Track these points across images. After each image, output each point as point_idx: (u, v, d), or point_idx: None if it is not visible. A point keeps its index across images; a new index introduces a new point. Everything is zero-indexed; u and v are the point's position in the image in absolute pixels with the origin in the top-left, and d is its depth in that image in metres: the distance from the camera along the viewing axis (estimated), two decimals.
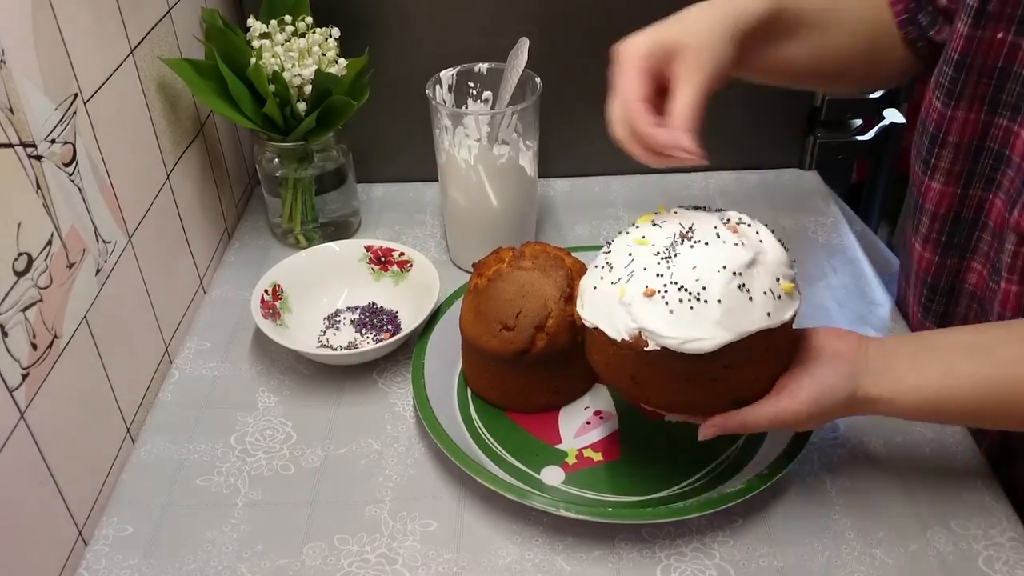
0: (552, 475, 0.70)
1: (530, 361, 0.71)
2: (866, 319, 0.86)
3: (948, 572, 0.63)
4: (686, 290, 0.57)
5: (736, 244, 0.59)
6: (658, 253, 0.60)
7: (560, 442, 0.73)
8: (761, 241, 0.61)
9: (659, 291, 0.58)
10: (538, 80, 0.85)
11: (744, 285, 0.58)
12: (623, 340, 0.59)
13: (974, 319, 0.75)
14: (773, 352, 0.61)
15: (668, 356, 0.58)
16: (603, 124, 1.05)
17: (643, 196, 1.05)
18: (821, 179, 1.09)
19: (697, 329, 0.57)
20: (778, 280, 0.60)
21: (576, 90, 1.03)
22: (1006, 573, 0.63)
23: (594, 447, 0.73)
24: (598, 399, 0.77)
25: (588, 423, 0.75)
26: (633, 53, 0.62)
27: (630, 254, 0.61)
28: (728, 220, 0.62)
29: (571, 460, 0.72)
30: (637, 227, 0.63)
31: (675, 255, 0.59)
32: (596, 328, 0.61)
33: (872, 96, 1.09)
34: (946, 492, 0.68)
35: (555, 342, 0.71)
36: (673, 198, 1.05)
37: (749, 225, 0.62)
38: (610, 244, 0.64)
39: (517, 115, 0.85)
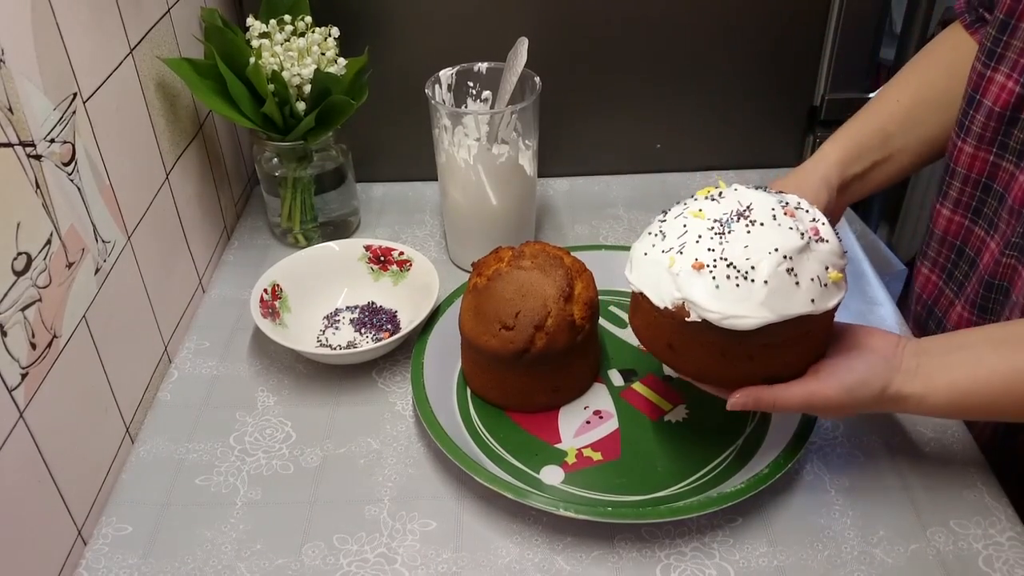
0: (552, 475, 0.70)
1: (529, 360, 0.71)
2: (866, 318, 0.86)
3: (948, 571, 0.63)
4: (735, 267, 0.59)
5: (791, 228, 0.60)
6: (712, 228, 0.61)
7: (560, 441, 0.73)
8: (816, 228, 0.62)
9: (708, 265, 0.59)
10: (537, 80, 0.85)
11: (793, 270, 0.59)
12: (666, 308, 0.61)
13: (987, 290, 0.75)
14: (812, 337, 0.62)
15: (707, 329, 0.60)
16: (603, 124, 1.06)
17: (643, 195, 1.05)
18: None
19: (740, 307, 0.58)
20: (827, 268, 0.61)
21: (576, 90, 1.03)
22: (1006, 572, 0.62)
23: (594, 447, 0.73)
24: (598, 399, 0.77)
25: (588, 423, 0.75)
26: None
27: (684, 225, 0.62)
28: (787, 204, 0.63)
29: (571, 460, 0.72)
30: (695, 199, 0.64)
31: (729, 231, 0.60)
32: (641, 293, 0.63)
33: (872, 95, 1.09)
34: (946, 492, 0.68)
35: (554, 341, 0.71)
36: (673, 197, 1.04)
37: (807, 211, 0.63)
38: (666, 213, 0.65)
39: (516, 114, 0.85)
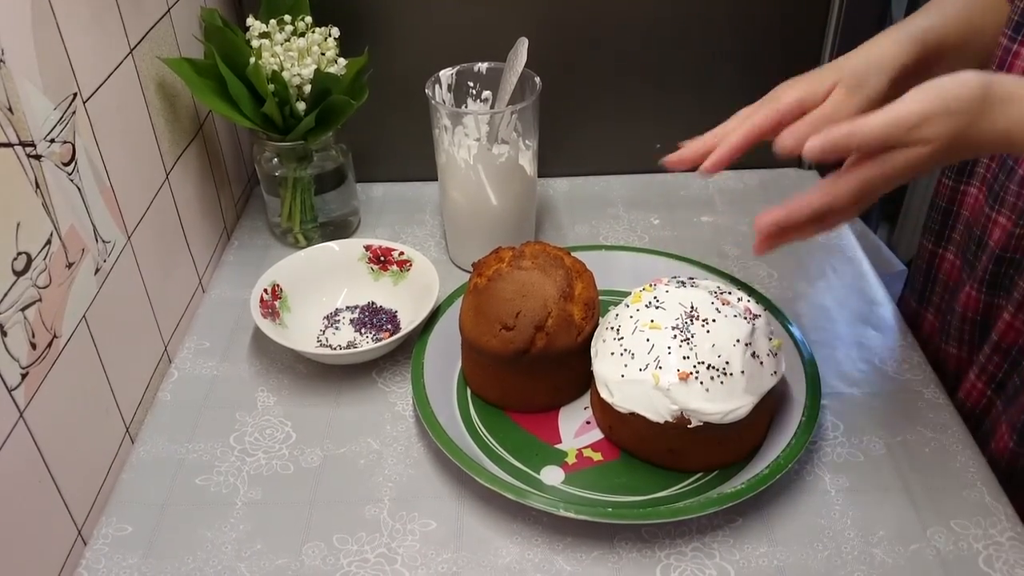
0: (552, 475, 0.70)
1: (530, 361, 0.71)
2: (866, 319, 0.86)
3: (948, 572, 0.63)
4: (714, 368, 0.65)
5: (736, 316, 0.67)
6: (675, 336, 0.66)
7: (560, 442, 0.73)
8: (747, 307, 0.69)
9: (692, 373, 0.64)
10: (537, 79, 0.85)
11: (755, 352, 0.66)
12: (666, 422, 0.65)
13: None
14: (774, 393, 0.69)
15: (706, 427, 0.65)
16: (603, 124, 1.06)
17: (643, 196, 1.05)
18: (821, 179, 1.09)
19: (731, 401, 0.64)
20: (769, 339, 0.68)
21: (576, 89, 1.03)
22: (1006, 573, 0.62)
23: (594, 447, 0.73)
24: None
25: (588, 423, 0.75)
26: (794, 81, 0.65)
27: (648, 339, 0.67)
28: (716, 294, 0.69)
29: (571, 460, 0.72)
30: (638, 310, 0.69)
31: (692, 335, 0.66)
32: (632, 413, 0.67)
33: None
34: (946, 492, 0.68)
35: (555, 342, 0.71)
36: (672, 198, 1.05)
37: (731, 293, 0.70)
38: (619, 331, 0.69)
39: (517, 114, 0.85)
